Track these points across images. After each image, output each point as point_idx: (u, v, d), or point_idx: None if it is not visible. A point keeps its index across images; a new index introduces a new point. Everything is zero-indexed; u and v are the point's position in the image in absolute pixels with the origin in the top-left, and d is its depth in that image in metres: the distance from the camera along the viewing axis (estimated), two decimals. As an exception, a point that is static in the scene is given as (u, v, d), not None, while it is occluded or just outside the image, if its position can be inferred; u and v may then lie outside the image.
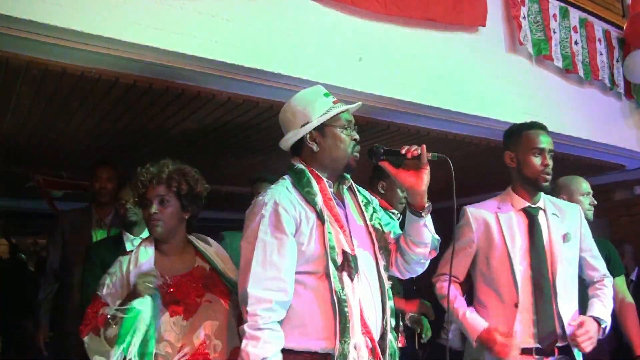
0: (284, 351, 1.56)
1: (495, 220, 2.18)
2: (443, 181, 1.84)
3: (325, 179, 1.71)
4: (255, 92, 2.66)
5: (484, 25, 3.23)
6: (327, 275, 1.58)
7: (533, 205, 2.19)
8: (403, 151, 1.65)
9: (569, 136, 3.71)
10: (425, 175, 1.67)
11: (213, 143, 3.49)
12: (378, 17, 2.84)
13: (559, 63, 3.64)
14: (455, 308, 2.18)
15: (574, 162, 4.25)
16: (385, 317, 1.67)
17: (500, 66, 3.40)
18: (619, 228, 4.94)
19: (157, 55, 2.25)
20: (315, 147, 1.71)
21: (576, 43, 3.80)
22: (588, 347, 2.02)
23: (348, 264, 1.60)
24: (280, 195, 1.64)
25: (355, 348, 1.54)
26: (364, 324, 1.59)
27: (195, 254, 2.05)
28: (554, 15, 3.68)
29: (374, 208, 1.81)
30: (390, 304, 1.69)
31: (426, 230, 1.69)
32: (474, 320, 2.13)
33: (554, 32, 3.63)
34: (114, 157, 3.82)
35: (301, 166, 1.72)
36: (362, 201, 1.81)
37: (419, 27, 3.02)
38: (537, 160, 2.13)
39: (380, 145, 1.69)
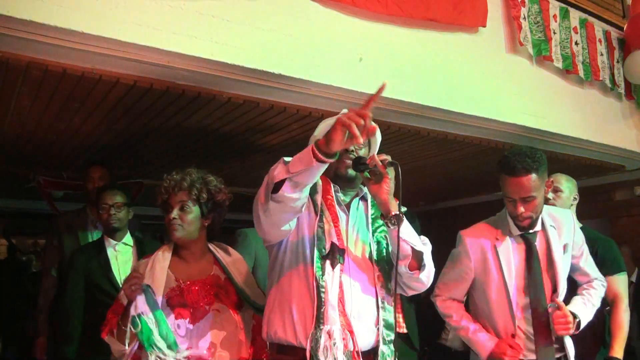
0: (276, 346, 1.67)
1: (492, 250, 2.17)
2: (442, 182, 1.85)
3: (332, 184, 1.79)
4: (255, 92, 2.66)
5: (484, 26, 3.23)
6: (312, 263, 1.65)
7: (530, 230, 2.17)
8: (368, 161, 1.69)
9: (569, 137, 3.71)
10: (385, 184, 1.67)
11: (213, 144, 3.48)
12: (378, 17, 2.84)
13: (559, 64, 3.64)
14: (464, 326, 2.20)
15: (574, 163, 4.25)
16: (379, 329, 1.68)
17: (500, 67, 3.40)
18: (619, 228, 4.94)
19: (157, 55, 2.25)
20: None
21: (576, 44, 3.80)
22: (561, 331, 2.03)
23: (333, 254, 1.66)
24: None
25: (328, 335, 1.56)
26: (343, 314, 1.62)
27: (214, 262, 2.10)
28: (554, 16, 3.68)
29: (384, 225, 1.80)
30: (384, 315, 1.70)
31: (401, 241, 1.65)
32: (484, 338, 2.14)
33: (554, 33, 3.63)
34: (114, 158, 3.82)
35: None
36: (372, 215, 1.84)
37: (419, 28, 3.02)
38: (511, 205, 2.11)
39: (361, 157, 1.75)
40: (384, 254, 1.78)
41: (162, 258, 2.04)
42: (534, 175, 2.01)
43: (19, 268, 6.72)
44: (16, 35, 2.01)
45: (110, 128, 3.13)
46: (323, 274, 1.63)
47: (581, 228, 2.76)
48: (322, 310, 1.59)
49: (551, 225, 2.19)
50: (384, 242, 1.79)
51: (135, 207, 3.16)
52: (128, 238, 2.93)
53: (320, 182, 1.78)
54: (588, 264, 2.30)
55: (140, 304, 1.85)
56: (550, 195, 2.70)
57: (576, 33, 3.82)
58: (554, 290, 2.12)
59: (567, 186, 2.78)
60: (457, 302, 2.28)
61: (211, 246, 2.14)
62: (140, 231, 3.38)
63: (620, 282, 2.61)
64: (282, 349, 1.68)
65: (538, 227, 2.18)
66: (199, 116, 2.92)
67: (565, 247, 2.18)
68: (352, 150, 1.77)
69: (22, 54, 2.15)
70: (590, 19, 4.00)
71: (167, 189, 2.06)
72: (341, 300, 1.63)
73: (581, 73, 3.79)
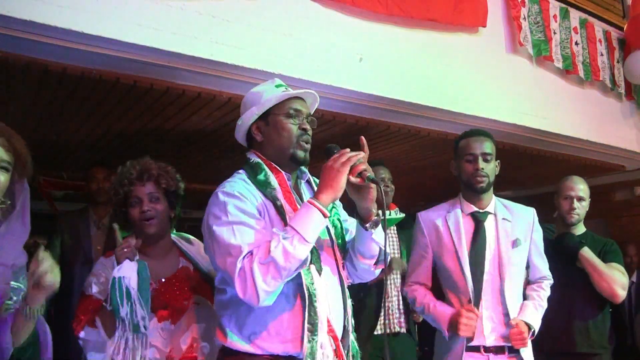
0: (244, 355, 1.50)
1: (444, 223, 2.25)
2: (443, 182, 1.84)
3: (283, 172, 1.63)
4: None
5: (484, 26, 3.23)
6: (299, 274, 1.49)
7: (481, 210, 2.24)
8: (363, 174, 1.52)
9: (569, 137, 3.71)
10: (371, 194, 1.53)
11: (214, 143, 3.48)
12: (378, 17, 2.84)
13: (559, 64, 3.64)
14: (425, 303, 2.23)
15: (574, 163, 4.25)
16: (346, 317, 1.61)
17: (500, 67, 3.40)
18: (619, 229, 4.94)
19: (157, 56, 2.25)
20: (259, 137, 1.65)
21: (576, 44, 3.80)
22: (519, 346, 2.09)
23: (315, 259, 1.53)
24: (240, 187, 1.55)
25: (321, 347, 1.48)
26: (328, 323, 1.53)
27: (180, 254, 2.00)
28: (554, 16, 3.68)
29: (334, 205, 1.70)
30: (349, 302, 1.64)
31: (372, 243, 1.60)
32: (443, 308, 2.18)
33: (554, 33, 3.63)
34: (115, 158, 3.82)
35: (256, 159, 1.65)
36: None
37: (419, 28, 3.02)
38: (470, 165, 2.19)
39: (335, 146, 1.58)
40: (341, 236, 1.68)
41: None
42: (490, 140, 2.26)
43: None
44: (16, 35, 2.01)
45: (110, 128, 3.13)
46: (313, 282, 1.49)
47: (584, 233, 2.76)
48: (316, 321, 1.47)
49: (503, 218, 2.24)
50: (338, 224, 1.69)
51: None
52: None
53: (271, 175, 1.61)
54: (542, 261, 2.33)
55: (127, 269, 1.72)
56: (576, 205, 2.70)
57: (576, 33, 3.82)
58: (500, 280, 2.15)
59: (587, 192, 2.78)
60: (421, 285, 2.33)
61: (174, 238, 2.03)
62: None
63: (622, 270, 2.62)
64: (247, 356, 1.52)
65: (490, 209, 2.25)
66: (199, 116, 2.92)
67: (515, 241, 2.20)
68: (308, 130, 1.65)
69: (23, 54, 2.15)
70: (591, 19, 4.00)
71: (131, 179, 1.88)
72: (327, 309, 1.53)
73: (581, 73, 3.79)
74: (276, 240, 1.38)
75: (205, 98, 2.63)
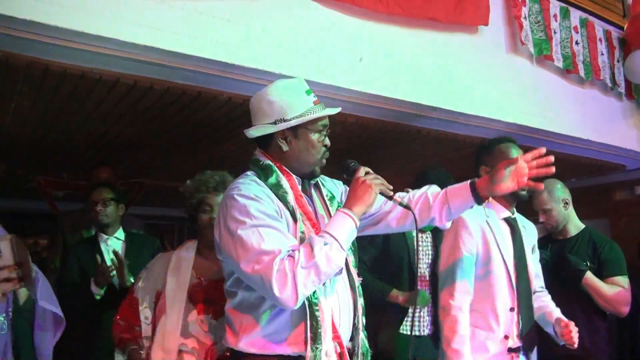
0: (252, 356, 1.52)
1: (488, 227, 2.22)
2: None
3: (294, 176, 1.65)
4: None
5: (486, 24, 3.22)
6: None
7: (512, 216, 2.29)
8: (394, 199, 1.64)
9: (569, 136, 3.71)
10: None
11: (214, 143, 3.48)
12: (379, 17, 2.84)
13: (559, 63, 3.63)
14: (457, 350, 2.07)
15: (574, 163, 4.25)
16: (357, 316, 1.63)
17: (501, 66, 3.39)
18: (620, 228, 4.94)
19: (158, 55, 2.25)
20: (285, 147, 1.63)
21: (577, 43, 3.79)
22: (572, 342, 2.13)
23: None
24: (255, 189, 1.55)
25: (326, 355, 1.50)
26: (334, 329, 1.54)
27: None
28: (555, 15, 3.67)
29: (338, 203, 1.76)
30: (361, 301, 1.65)
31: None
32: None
33: (555, 32, 3.62)
34: (115, 158, 3.82)
35: (268, 162, 1.64)
36: (327, 195, 1.75)
37: (419, 27, 3.02)
38: None
39: (354, 162, 1.66)
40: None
41: (187, 256, 2.08)
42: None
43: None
44: (16, 35, 2.01)
45: (111, 128, 3.13)
46: (315, 292, 1.49)
47: (583, 231, 2.77)
48: (319, 331, 1.48)
49: (522, 226, 2.33)
50: None
51: (137, 207, 3.18)
52: (120, 233, 3.00)
53: (283, 178, 1.62)
54: (538, 275, 2.42)
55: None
56: (545, 217, 2.79)
57: (577, 32, 3.82)
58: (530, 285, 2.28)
59: (552, 197, 2.79)
60: (466, 301, 2.17)
61: None
62: (144, 231, 3.39)
63: (623, 284, 2.62)
64: (255, 357, 1.54)
65: (516, 216, 2.32)
66: (199, 116, 2.92)
67: (533, 248, 2.35)
68: (328, 147, 1.69)
69: (23, 53, 2.15)
70: (591, 18, 3.99)
71: (209, 188, 2.07)
72: (332, 315, 1.55)
73: (582, 72, 3.78)
74: (319, 246, 1.41)
75: (205, 97, 2.63)
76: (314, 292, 1.49)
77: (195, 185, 2.11)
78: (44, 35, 2.04)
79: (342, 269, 1.54)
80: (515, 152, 2.21)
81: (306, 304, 1.49)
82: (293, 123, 1.61)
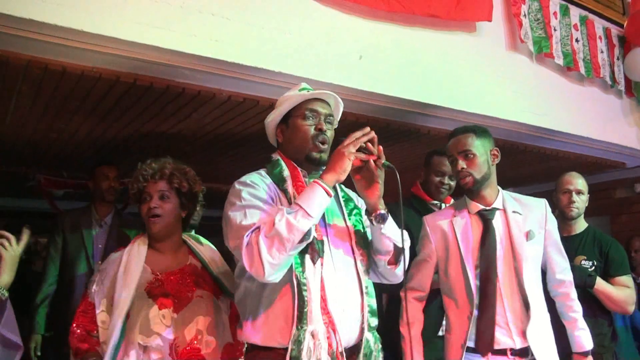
0: (251, 346, 1.61)
1: (450, 227, 2.18)
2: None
3: (300, 169, 1.73)
4: (255, 90, 2.66)
5: (490, 20, 3.21)
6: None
7: (488, 208, 2.16)
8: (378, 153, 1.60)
9: (569, 134, 3.71)
10: (378, 186, 1.62)
11: (214, 141, 3.48)
12: (378, 14, 2.83)
13: (559, 61, 3.63)
14: (403, 334, 2.13)
15: (574, 160, 4.25)
16: (363, 315, 1.64)
17: (501, 64, 3.39)
18: (620, 226, 4.94)
19: (157, 54, 2.24)
20: (280, 138, 1.79)
21: (577, 41, 3.79)
22: None
23: (312, 247, 1.57)
24: (254, 178, 1.67)
25: (312, 336, 1.50)
26: (325, 311, 1.55)
27: (189, 253, 2.07)
28: (555, 13, 3.67)
29: (356, 207, 1.78)
30: (369, 301, 1.66)
31: (384, 238, 1.66)
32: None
33: (555, 30, 3.62)
34: (115, 157, 3.82)
35: (277, 157, 1.77)
36: (343, 197, 1.80)
37: (419, 26, 3.02)
38: (453, 167, 2.18)
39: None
40: (363, 237, 1.72)
41: (138, 252, 1.97)
42: (472, 135, 2.15)
43: (19, 267, 6.70)
44: (16, 34, 2.00)
45: (111, 127, 3.13)
46: (304, 271, 1.54)
47: (587, 229, 2.76)
48: (305, 310, 1.51)
49: (514, 211, 2.15)
50: (360, 225, 1.74)
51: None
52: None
53: (286, 169, 1.70)
54: (562, 256, 2.20)
55: None
56: (575, 198, 2.69)
57: (576, 30, 3.82)
58: (517, 277, 2.05)
59: (586, 187, 2.76)
60: (418, 302, 2.22)
61: (184, 237, 2.09)
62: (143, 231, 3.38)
63: (628, 284, 2.63)
64: (260, 349, 1.60)
65: (498, 205, 2.16)
66: (199, 114, 2.92)
67: (528, 233, 2.11)
68: (325, 131, 1.71)
69: (22, 52, 2.15)
70: (591, 16, 3.99)
71: (145, 176, 1.97)
72: (324, 298, 1.56)
73: (582, 70, 3.78)
74: (280, 215, 1.46)
75: (205, 96, 2.63)
76: (302, 271, 1.54)
77: (135, 175, 2.01)
78: (43, 34, 2.04)
79: (317, 240, 1.58)
80: (450, 146, 2.20)
81: (294, 282, 1.54)
82: (278, 112, 1.75)
